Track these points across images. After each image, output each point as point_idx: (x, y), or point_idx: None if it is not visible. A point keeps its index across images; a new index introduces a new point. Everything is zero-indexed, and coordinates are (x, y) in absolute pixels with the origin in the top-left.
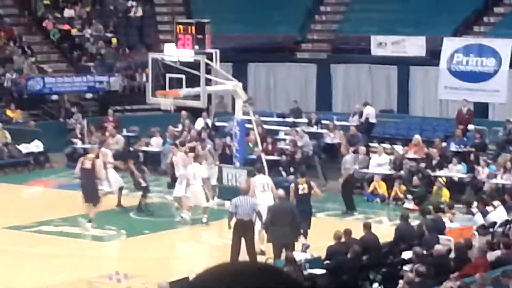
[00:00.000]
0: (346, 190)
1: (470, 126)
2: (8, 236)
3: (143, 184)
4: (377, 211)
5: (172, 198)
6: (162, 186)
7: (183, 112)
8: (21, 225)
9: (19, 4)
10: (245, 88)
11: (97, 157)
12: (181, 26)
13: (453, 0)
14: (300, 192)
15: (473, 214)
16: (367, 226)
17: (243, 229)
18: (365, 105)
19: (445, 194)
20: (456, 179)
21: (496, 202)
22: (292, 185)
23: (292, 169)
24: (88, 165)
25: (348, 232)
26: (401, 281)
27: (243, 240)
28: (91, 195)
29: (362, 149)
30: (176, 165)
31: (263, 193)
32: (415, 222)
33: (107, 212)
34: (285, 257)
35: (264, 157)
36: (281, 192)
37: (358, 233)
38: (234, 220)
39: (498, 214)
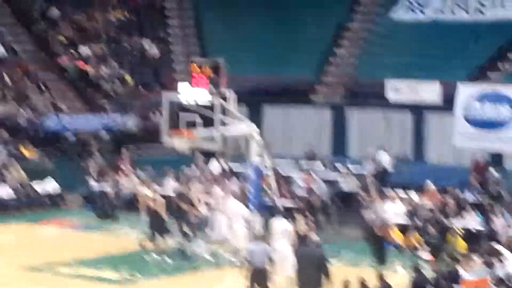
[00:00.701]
0: (379, 241)
1: (486, 175)
2: (22, 276)
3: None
4: (392, 258)
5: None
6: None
7: (197, 154)
8: (36, 266)
9: (36, 40)
10: (260, 131)
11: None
12: (196, 66)
13: (468, 46)
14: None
15: (490, 266)
16: (380, 276)
17: (258, 276)
18: (382, 149)
19: (461, 244)
20: (472, 229)
21: None
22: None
23: (307, 214)
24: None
25: (361, 281)
26: None
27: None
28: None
29: (376, 195)
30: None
31: (282, 238)
32: (429, 273)
33: (123, 255)
34: None
35: (278, 201)
36: (313, 236)
37: (371, 282)
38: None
39: None
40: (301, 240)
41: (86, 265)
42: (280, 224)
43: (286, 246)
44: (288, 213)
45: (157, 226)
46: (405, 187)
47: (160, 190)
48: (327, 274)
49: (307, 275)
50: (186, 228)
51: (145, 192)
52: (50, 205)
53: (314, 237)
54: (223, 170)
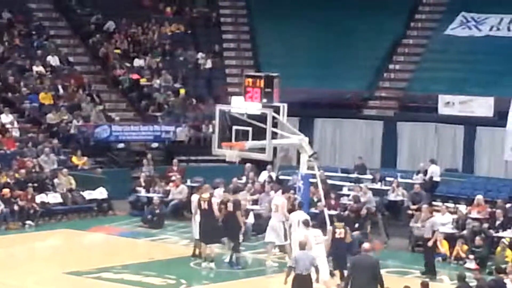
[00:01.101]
0: (430, 252)
1: None
2: (69, 281)
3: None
4: (438, 270)
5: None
6: None
7: (248, 165)
8: (82, 271)
9: (90, 52)
10: (310, 143)
11: (212, 196)
12: (249, 79)
13: None
14: (337, 236)
15: None
16: (424, 285)
17: (301, 284)
18: (431, 162)
19: (509, 255)
20: None
21: None
22: (330, 228)
23: (356, 225)
24: (205, 205)
25: None
26: None
27: None
28: (210, 235)
29: (425, 207)
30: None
31: (315, 246)
32: (474, 283)
33: (168, 261)
34: None
35: (327, 212)
36: (366, 245)
37: None
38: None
39: None
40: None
41: (131, 271)
42: (312, 232)
43: (322, 253)
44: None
45: (213, 232)
46: (454, 200)
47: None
48: (381, 283)
49: (362, 283)
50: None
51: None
52: (97, 211)
53: (366, 245)
54: (272, 180)
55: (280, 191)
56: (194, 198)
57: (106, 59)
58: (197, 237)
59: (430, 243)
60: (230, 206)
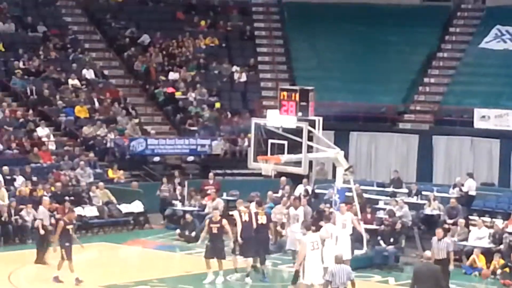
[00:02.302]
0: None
1: None
2: None
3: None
4: (475, 284)
5: None
6: None
7: (283, 178)
8: (119, 284)
9: (125, 65)
10: (346, 157)
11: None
12: (285, 93)
13: None
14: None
15: None
16: None
17: None
18: (468, 176)
19: None
20: None
21: None
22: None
23: (391, 240)
24: (245, 217)
25: None
26: None
27: None
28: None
29: (461, 221)
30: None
31: (313, 252)
32: None
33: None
34: None
35: (362, 225)
36: (428, 253)
37: None
38: None
39: None
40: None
41: (167, 284)
42: (310, 237)
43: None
44: (371, 237)
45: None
46: (491, 214)
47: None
48: None
49: None
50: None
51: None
52: (134, 225)
53: (428, 253)
54: (306, 192)
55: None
56: (291, 211)
57: (148, 73)
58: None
59: (451, 267)
60: (262, 219)
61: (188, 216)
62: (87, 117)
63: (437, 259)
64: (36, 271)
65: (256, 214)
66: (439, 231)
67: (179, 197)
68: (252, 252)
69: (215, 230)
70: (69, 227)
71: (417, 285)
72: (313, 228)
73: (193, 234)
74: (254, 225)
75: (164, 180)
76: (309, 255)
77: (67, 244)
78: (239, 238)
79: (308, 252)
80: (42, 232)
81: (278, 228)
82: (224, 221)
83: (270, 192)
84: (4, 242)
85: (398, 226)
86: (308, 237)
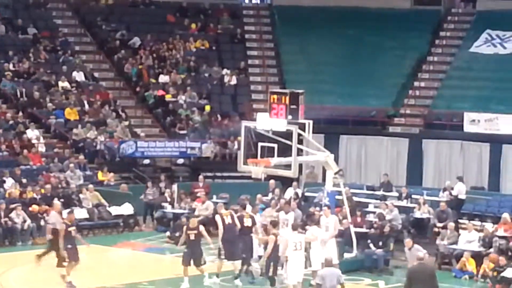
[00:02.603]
0: None
1: None
2: None
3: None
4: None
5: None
6: None
7: (272, 181)
8: (108, 287)
9: (116, 68)
10: (336, 160)
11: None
12: (275, 96)
13: None
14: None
15: None
16: None
17: None
18: (459, 180)
19: None
20: None
21: None
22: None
23: (380, 243)
24: (228, 220)
25: None
26: None
27: None
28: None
29: (451, 225)
30: None
31: (295, 252)
32: None
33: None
34: None
35: (352, 229)
36: (420, 254)
37: None
38: None
39: None
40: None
41: (157, 287)
42: (293, 237)
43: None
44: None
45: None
46: (480, 217)
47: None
48: None
49: None
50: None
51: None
52: (124, 227)
53: (421, 254)
54: (298, 197)
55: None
56: (281, 215)
57: (141, 75)
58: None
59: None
60: (248, 221)
61: (183, 218)
62: (77, 119)
63: None
64: (26, 273)
65: (242, 216)
66: (407, 241)
67: (169, 200)
68: (237, 254)
69: (192, 237)
70: (71, 229)
71: (413, 286)
72: (299, 230)
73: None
74: (239, 227)
75: (149, 184)
76: (292, 256)
77: (69, 246)
78: (220, 242)
79: (290, 252)
80: (50, 237)
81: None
82: (201, 228)
83: (259, 195)
84: None
85: (387, 229)
86: (292, 237)
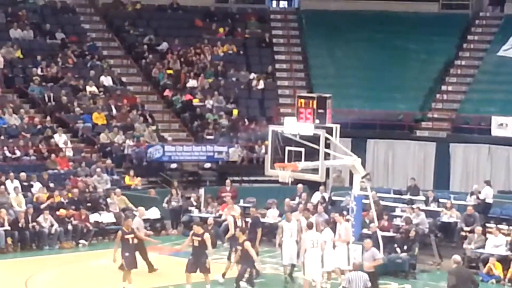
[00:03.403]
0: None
1: None
2: None
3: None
4: None
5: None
6: (276, 257)
7: (300, 185)
8: None
9: (143, 72)
10: (363, 164)
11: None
12: (302, 100)
13: None
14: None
15: None
16: None
17: None
18: (486, 184)
19: None
20: None
21: None
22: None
23: (406, 247)
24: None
25: None
26: None
27: None
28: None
29: (478, 229)
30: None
31: (312, 249)
32: None
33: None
34: None
35: (379, 233)
36: (457, 258)
37: None
38: None
39: None
40: None
41: None
42: (310, 235)
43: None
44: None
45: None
46: (508, 222)
47: None
48: None
49: None
50: None
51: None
52: (150, 231)
53: (458, 258)
54: (325, 201)
55: None
56: (284, 223)
57: (178, 78)
58: (286, 262)
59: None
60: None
61: (210, 220)
62: (105, 124)
63: (366, 270)
64: (53, 277)
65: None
66: (367, 242)
67: (195, 204)
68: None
69: (196, 243)
70: (128, 236)
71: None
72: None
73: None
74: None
75: (173, 191)
76: (309, 252)
77: (126, 254)
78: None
79: (308, 249)
80: (135, 241)
81: None
82: (206, 235)
83: (287, 200)
84: (21, 248)
85: (412, 233)
86: (308, 234)
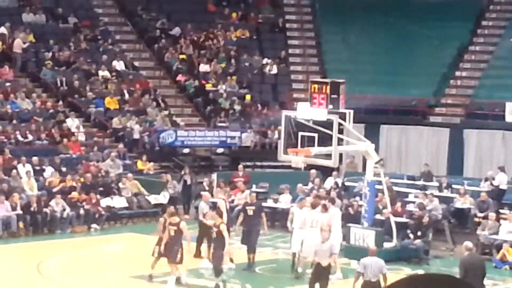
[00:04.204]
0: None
1: None
2: (134, 285)
3: None
4: (505, 278)
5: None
6: (288, 242)
7: (313, 171)
8: (143, 275)
9: (156, 57)
10: (376, 150)
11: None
12: (315, 85)
13: None
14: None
15: None
16: None
17: None
18: (500, 170)
19: None
20: None
21: None
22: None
23: (419, 233)
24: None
25: None
26: None
27: None
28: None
29: (492, 215)
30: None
31: (311, 229)
32: None
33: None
34: None
35: (392, 219)
36: (469, 244)
37: None
38: (360, 280)
39: None
40: None
41: (195, 275)
42: (311, 215)
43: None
44: (400, 230)
45: None
46: None
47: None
48: None
49: (478, 283)
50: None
51: None
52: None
53: (469, 244)
54: (338, 186)
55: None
56: (295, 210)
57: (191, 63)
58: (295, 250)
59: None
60: (250, 211)
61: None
62: (117, 109)
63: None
64: (65, 261)
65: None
66: (323, 234)
67: (207, 188)
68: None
69: (172, 233)
70: (171, 227)
71: (467, 276)
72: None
73: None
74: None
75: (168, 177)
76: (308, 232)
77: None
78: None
79: (307, 228)
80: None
81: None
82: (183, 224)
83: (300, 185)
84: (33, 232)
85: (426, 219)
86: (309, 213)
